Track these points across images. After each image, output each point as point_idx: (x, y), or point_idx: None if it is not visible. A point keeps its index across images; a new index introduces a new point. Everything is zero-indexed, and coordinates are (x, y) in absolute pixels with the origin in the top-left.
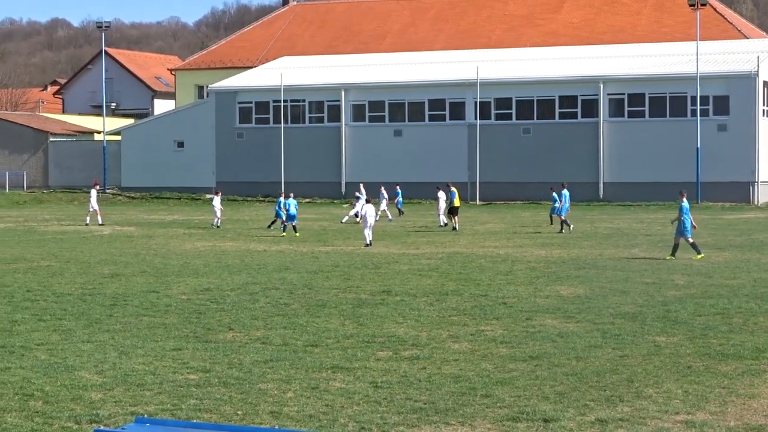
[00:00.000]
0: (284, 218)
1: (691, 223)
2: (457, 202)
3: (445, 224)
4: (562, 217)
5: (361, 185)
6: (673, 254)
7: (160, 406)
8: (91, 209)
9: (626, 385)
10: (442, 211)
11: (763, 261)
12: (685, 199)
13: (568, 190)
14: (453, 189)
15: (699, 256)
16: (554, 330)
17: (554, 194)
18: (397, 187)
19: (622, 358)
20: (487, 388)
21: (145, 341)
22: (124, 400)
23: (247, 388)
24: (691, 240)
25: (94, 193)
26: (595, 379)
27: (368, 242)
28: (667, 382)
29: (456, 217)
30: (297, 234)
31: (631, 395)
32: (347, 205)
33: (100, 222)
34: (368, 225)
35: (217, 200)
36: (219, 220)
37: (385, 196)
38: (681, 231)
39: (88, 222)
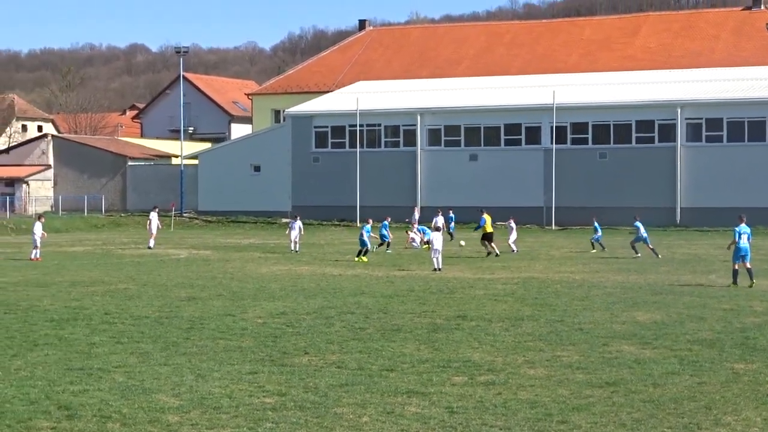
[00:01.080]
0: (384, 240)
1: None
2: (488, 228)
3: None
4: (650, 246)
5: (415, 209)
6: (734, 282)
7: (236, 429)
8: (151, 231)
9: (704, 413)
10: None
11: None
12: (743, 223)
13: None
14: (483, 215)
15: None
16: (631, 356)
17: (596, 223)
18: (450, 212)
19: (700, 385)
20: (563, 414)
21: (221, 364)
22: (201, 423)
23: (322, 412)
24: (748, 265)
25: (154, 216)
26: (672, 406)
27: (437, 267)
28: (746, 410)
29: (492, 243)
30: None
31: (709, 423)
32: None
33: (151, 245)
34: (436, 251)
35: (296, 224)
36: (298, 245)
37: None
38: (737, 256)
39: (152, 245)
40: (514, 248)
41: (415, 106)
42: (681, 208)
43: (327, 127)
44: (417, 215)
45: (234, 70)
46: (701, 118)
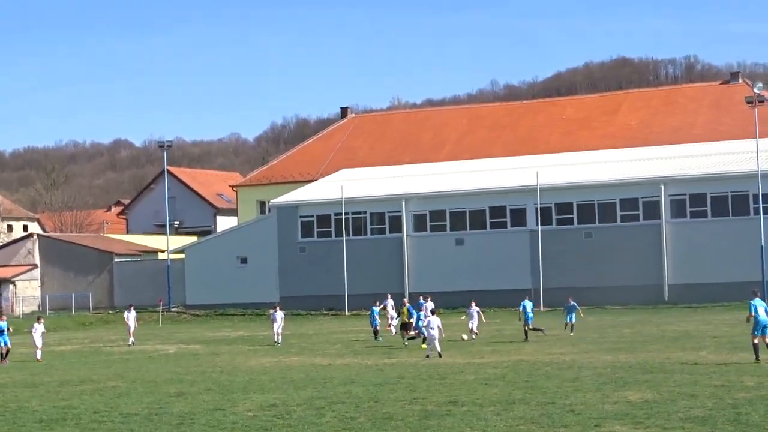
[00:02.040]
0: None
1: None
2: (405, 318)
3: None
4: (528, 326)
5: (388, 296)
6: (757, 358)
7: None
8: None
9: None
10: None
11: None
12: (758, 298)
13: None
14: (406, 304)
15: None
16: None
17: (523, 303)
18: (420, 298)
19: None
20: None
21: None
22: None
23: None
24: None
25: (129, 315)
26: None
27: (429, 355)
28: None
29: (410, 332)
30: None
31: None
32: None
33: (131, 342)
34: (433, 338)
35: (277, 315)
36: (280, 336)
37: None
38: (756, 329)
39: (132, 342)
40: (473, 336)
41: (399, 192)
42: (668, 284)
43: (312, 216)
44: (390, 302)
45: (218, 162)
46: (685, 194)
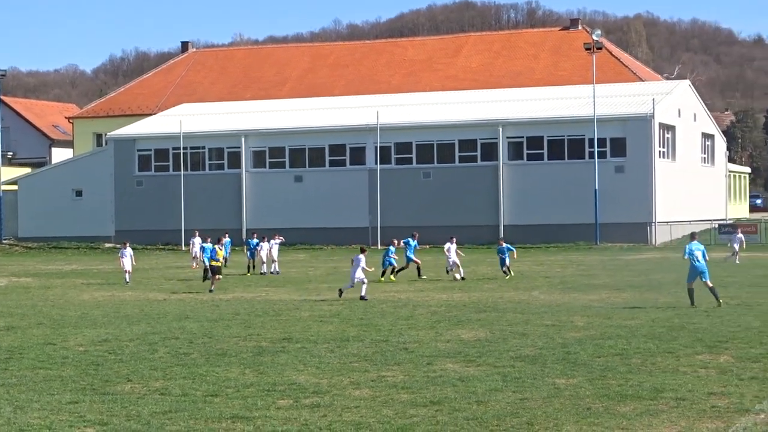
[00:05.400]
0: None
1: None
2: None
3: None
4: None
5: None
6: (692, 302)
7: None
8: None
9: (526, 429)
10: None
11: (661, 301)
12: (695, 241)
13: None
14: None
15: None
16: (455, 374)
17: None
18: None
19: (523, 401)
20: None
21: (41, 395)
22: None
23: None
24: (710, 284)
25: None
26: (495, 422)
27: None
28: (567, 425)
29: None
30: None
31: None
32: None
33: None
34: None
35: (127, 252)
36: (129, 274)
37: None
38: (692, 276)
39: None
40: (457, 271)
41: (239, 128)
42: (504, 225)
43: (150, 150)
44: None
45: (54, 93)
46: (522, 137)
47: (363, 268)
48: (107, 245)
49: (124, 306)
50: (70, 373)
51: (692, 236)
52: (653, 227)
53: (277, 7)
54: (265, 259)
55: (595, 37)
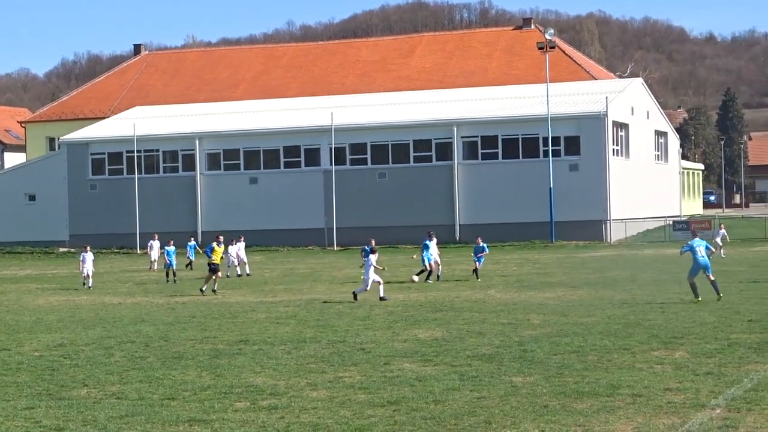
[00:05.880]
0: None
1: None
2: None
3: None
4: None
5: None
6: (696, 296)
7: None
8: None
9: (484, 427)
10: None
11: (617, 298)
12: (697, 238)
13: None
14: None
15: (698, 300)
16: (412, 374)
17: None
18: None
19: (480, 400)
20: None
21: None
22: None
23: None
24: (712, 278)
25: None
26: (453, 422)
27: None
28: (524, 422)
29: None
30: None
31: None
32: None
33: None
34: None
35: (87, 256)
36: (90, 279)
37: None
38: (694, 271)
39: None
40: (438, 270)
41: (193, 130)
42: (460, 224)
43: (104, 153)
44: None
45: (6, 98)
46: (477, 136)
47: (375, 268)
48: (62, 250)
49: (80, 310)
50: (25, 379)
51: (694, 234)
52: (608, 225)
53: (229, 9)
54: (237, 262)
55: (548, 36)
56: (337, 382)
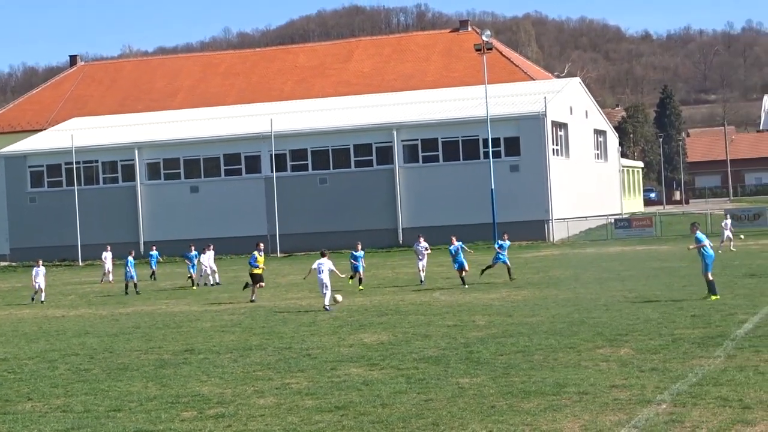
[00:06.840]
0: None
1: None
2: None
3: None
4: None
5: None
6: (713, 293)
7: None
8: None
9: (432, 429)
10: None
11: (561, 297)
12: (698, 232)
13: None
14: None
15: (714, 297)
16: (359, 378)
17: (499, 242)
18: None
19: (427, 402)
20: None
21: None
22: None
23: None
24: (710, 276)
25: None
26: (401, 425)
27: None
28: (472, 423)
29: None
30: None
31: None
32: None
33: None
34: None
35: (40, 270)
36: (43, 294)
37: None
38: (708, 266)
39: None
40: (421, 275)
41: (132, 140)
42: (402, 228)
43: (42, 166)
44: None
45: None
46: (417, 140)
47: (332, 271)
48: (2, 264)
49: (22, 324)
50: None
51: (693, 230)
52: (550, 224)
53: (165, 18)
54: (210, 271)
55: (485, 38)
56: (284, 388)
